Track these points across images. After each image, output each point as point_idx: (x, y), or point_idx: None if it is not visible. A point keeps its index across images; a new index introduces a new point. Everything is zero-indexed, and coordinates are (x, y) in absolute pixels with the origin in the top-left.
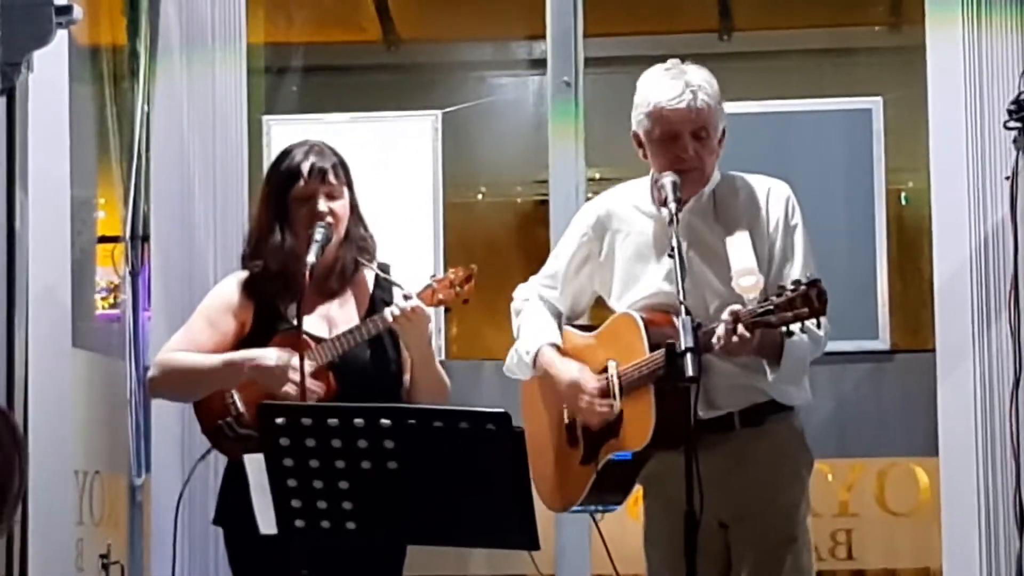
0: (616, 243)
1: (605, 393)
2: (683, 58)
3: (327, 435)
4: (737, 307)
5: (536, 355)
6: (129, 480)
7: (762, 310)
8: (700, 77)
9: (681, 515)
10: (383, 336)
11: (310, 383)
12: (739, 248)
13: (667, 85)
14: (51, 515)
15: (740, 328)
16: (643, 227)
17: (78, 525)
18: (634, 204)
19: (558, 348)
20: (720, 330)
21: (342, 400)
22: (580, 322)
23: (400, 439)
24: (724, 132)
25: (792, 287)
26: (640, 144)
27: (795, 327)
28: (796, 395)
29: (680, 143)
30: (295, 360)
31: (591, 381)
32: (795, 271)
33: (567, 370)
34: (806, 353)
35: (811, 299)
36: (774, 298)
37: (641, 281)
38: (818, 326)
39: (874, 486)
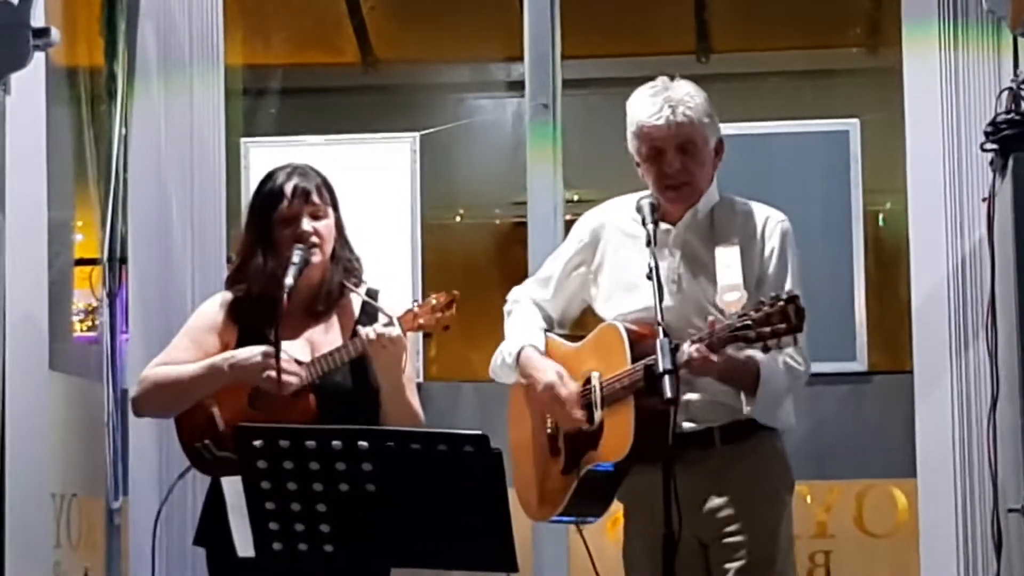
0: (608, 253)
1: (581, 398)
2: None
3: (305, 457)
4: (713, 319)
5: (518, 355)
6: (106, 503)
7: (740, 324)
8: (682, 92)
9: (660, 533)
10: (364, 360)
11: (289, 367)
12: (728, 263)
13: (648, 103)
14: (28, 538)
15: (704, 348)
16: (636, 239)
17: (55, 548)
18: (630, 216)
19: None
20: (686, 348)
21: (322, 424)
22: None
23: (378, 461)
24: (722, 144)
25: (770, 302)
26: (638, 164)
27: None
28: (779, 418)
29: (665, 159)
30: (270, 349)
31: (568, 385)
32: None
33: (545, 372)
34: (782, 387)
35: (788, 314)
36: (752, 312)
37: (631, 293)
38: (795, 342)
39: (852, 507)
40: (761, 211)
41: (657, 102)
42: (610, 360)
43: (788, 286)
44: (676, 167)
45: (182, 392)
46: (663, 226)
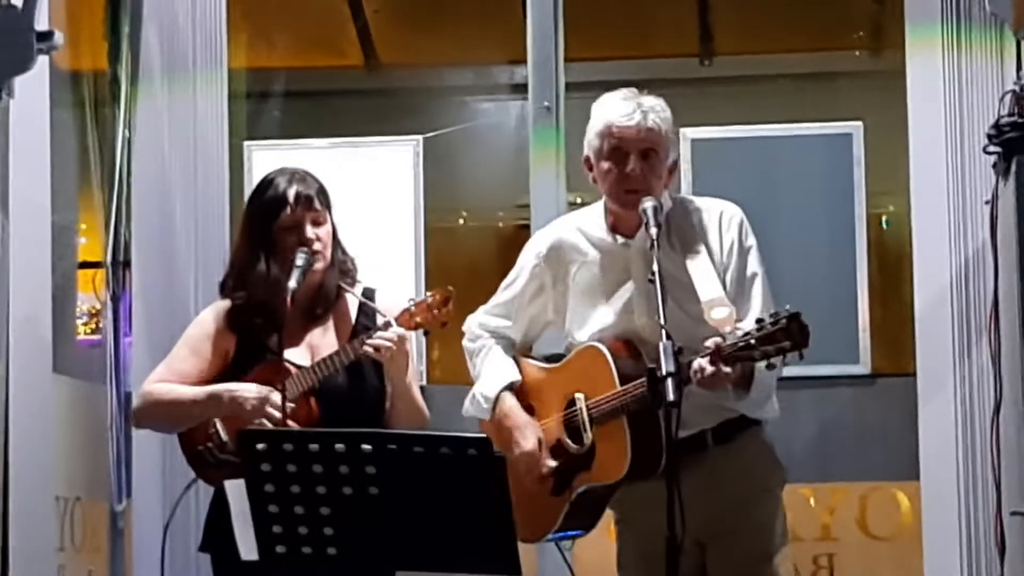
0: (569, 273)
1: (565, 422)
2: (663, 83)
3: (308, 461)
4: (718, 340)
5: (496, 402)
6: (110, 506)
7: (744, 343)
8: (654, 101)
9: (655, 540)
10: (364, 362)
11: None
12: (703, 276)
13: (619, 105)
14: (32, 541)
15: (717, 362)
16: (594, 257)
17: (59, 551)
18: (584, 233)
19: (517, 389)
20: (698, 363)
21: (325, 426)
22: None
23: (381, 464)
24: (676, 164)
25: (772, 320)
26: (591, 168)
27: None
28: (765, 410)
29: (628, 161)
30: (273, 395)
31: (546, 461)
32: (755, 297)
33: (526, 437)
34: (773, 381)
35: (793, 333)
36: (754, 331)
37: (597, 312)
38: (801, 358)
39: (856, 510)
40: (714, 207)
41: (630, 105)
42: (594, 381)
43: (750, 272)
44: (637, 172)
45: (181, 415)
46: (619, 239)
